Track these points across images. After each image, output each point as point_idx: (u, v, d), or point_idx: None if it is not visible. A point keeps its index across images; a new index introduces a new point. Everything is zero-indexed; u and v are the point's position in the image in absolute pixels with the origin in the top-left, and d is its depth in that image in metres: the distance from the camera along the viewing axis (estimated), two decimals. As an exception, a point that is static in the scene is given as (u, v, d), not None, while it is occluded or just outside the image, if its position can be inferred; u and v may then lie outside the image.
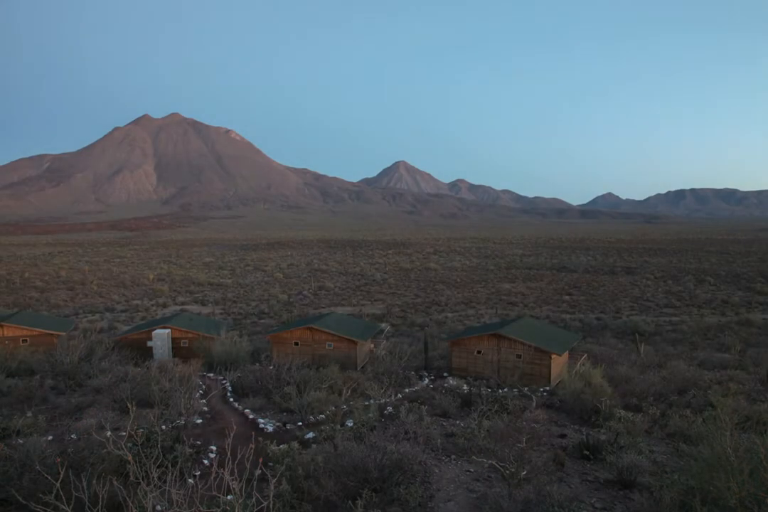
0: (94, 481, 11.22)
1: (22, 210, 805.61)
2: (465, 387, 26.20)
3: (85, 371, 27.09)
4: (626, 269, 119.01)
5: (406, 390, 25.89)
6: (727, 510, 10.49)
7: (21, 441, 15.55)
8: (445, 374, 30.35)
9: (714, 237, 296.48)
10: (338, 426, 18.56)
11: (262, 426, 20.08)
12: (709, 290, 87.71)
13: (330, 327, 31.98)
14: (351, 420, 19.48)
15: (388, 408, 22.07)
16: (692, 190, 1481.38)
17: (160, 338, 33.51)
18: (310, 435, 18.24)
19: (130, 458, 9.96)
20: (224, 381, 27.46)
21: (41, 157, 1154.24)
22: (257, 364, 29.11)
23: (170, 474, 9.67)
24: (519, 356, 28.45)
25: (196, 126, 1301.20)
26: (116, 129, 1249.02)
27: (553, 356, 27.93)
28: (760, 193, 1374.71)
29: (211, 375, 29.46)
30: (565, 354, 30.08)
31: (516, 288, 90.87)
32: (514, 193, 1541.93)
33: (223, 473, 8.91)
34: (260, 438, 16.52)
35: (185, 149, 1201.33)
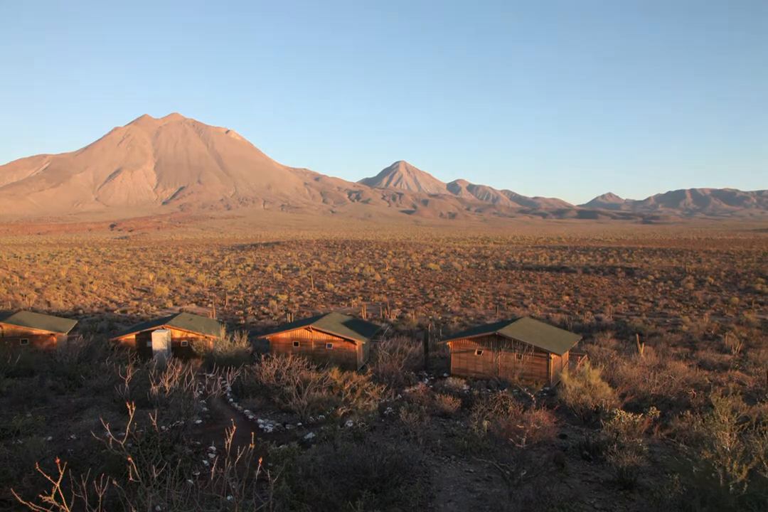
0: (94, 481, 11.22)
1: (22, 210, 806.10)
2: (465, 387, 26.19)
3: (85, 371, 27.06)
4: (626, 269, 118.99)
5: (406, 391, 25.86)
6: (727, 511, 10.49)
7: (21, 441, 15.53)
8: (445, 374, 30.32)
9: (714, 237, 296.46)
10: (338, 427, 18.55)
11: (261, 426, 20.05)
12: (710, 290, 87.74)
13: (330, 327, 31.94)
14: (351, 421, 19.47)
15: (388, 408, 22.05)
16: (692, 190, 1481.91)
17: (160, 338, 33.49)
18: (310, 435, 18.21)
19: (129, 458, 9.94)
20: (224, 382, 27.42)
21: (41, 157, 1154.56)
22: (257, 365, 29.05)
23: (170, 474, 9.66)
24: (519, 356, 28.43)
25: (196, 126, 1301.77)
26: (116, 129, 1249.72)
27: (553, 356, 27.93)
28: (760, 193, 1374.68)
29: (211, 375, 29.41)
30: (565, 355, 30.06)
31: (516, 289, 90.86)
32: (513, 192, 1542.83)
33: (222, 473, 8.90)
34: (260, 439, 16.51)
35: (185, 149, 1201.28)
